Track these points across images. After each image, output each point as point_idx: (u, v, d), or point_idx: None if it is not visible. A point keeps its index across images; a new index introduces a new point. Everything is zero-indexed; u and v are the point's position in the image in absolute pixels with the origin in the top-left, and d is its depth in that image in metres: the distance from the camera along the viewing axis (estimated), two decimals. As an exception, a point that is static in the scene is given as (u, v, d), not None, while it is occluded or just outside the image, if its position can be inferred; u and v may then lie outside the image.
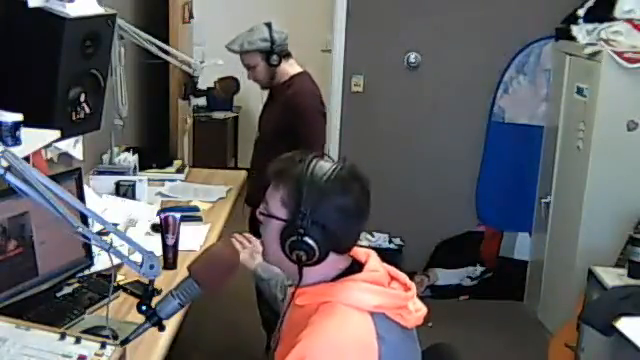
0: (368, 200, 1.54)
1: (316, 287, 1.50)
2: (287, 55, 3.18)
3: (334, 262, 1.52)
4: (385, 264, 1.59)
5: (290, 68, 3.20)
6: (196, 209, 3.10)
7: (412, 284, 1.58)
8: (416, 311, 1.54)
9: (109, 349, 1.54)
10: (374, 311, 1.46)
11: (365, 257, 1.57)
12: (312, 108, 3.11)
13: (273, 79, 3.19)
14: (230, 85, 3.82)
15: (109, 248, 1.51)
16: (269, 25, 3.13)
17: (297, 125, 3.04)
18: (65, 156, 2.88)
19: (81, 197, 2.22)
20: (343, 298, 1.46)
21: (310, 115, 3.09)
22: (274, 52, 3.11)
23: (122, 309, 2.10)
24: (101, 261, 2.25)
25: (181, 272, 2.31)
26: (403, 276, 1.58)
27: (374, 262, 1.56)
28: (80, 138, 2.90)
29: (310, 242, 1.46)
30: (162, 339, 1.88)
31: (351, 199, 1.49)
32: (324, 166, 1.50)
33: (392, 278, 1.57)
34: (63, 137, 2.15)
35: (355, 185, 1.51)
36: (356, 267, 1.55)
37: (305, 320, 1.45)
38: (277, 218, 1.50)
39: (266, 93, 3.35)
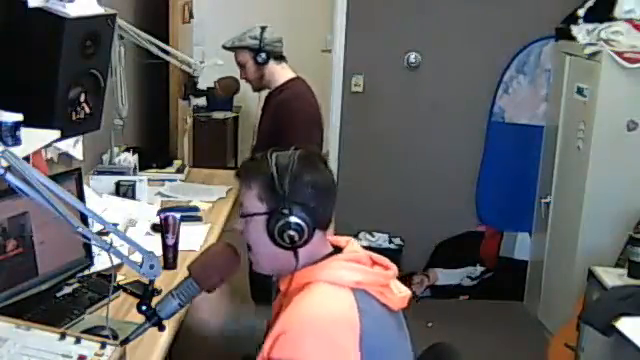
0: (332, 175, 1.62)
1: (300, 271, 1.54)
2: (279, 58, 3.19)
3: (318, 243, 1.57)
4: (368, 251, 1.64)
5: (283, 72, 3.20)
6: (196, 209, 3.10)
7: (393, 265, 1.62)
8: (399, 292, 1.58)
9: (109, 349, 1.54)
10: (355, 287, 1.50)
11: (346, 243, 1.63)
12: (301, 113, 3.08)
13: (262, 79, 3.19)
14: (230, 85, 3.81)
15: (109, 248, 1.51)
16: (263, 27, 3.16)
17: (284, 130, 3.01)
18: (65, 156, 2.88)
19: (81, 197, 2.21)
20: (324, 276, 1.51)
21: (299, 120, 3.05)
22: (262, 50, 3.12)
23: (122, 309, 2.10)
24: (101, 261, 2.25)
25: (181, 272, 2.31)
26: (385, 260, 1.63)
27: (355, 245, 1.63)
28: (80, 138, 2.89)
29: (297, 220, 1.51)
30: (162, 339, 1.88)
31: (319, 174, 1.56)
32: (284, 154, 1.57)
33: (374, 262, 1.61)
34: (63, 137, 2.15)
35: (318, 162, 1.59)
36: (338, 252, 1.60)
37: (291, 303, 1.50)
38: (259, 214, 1.54)
39: (262, 94, 3.35)
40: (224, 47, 3.20)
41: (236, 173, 1.62)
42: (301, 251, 1.53)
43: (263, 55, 3.13)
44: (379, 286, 1.54)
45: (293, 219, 1.50)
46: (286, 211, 1.50)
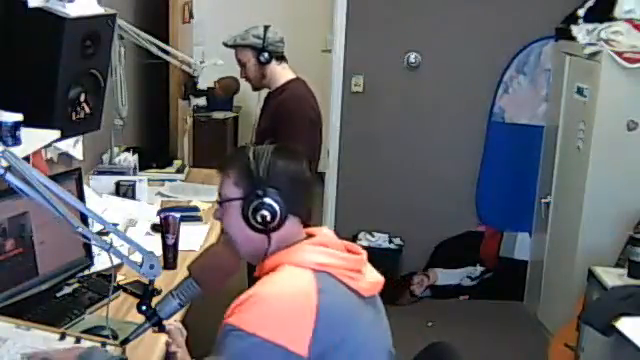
0: (308, 171, 1.66)
1: (272, 255, 1.59)
2: (281, 58, 3.18)
3: (292, 229, 1.61)
4: (344, 241, 1.67)
5: (284, 73, 3.20)
6: (196, 209, 3.10)
7: (363, 251, 1.66)
8: (370, 277, 1.62)
9: (109, 349, 1.54)
10: (317, 269, 1.53)
11: (319, 231, 1.67)
12: (299, 113, 3.08)
13: (264, 79, 3.18)
14: (230, 85, 3.82)
15: (109, 248, 1.51)
16: (266, 26, 3.15)
17: (282, 130, 3.01)
18: (65, 156, 2.88)
19: (81, 197, 2.21)
20: (290, 259, 1.56)
21: (297, 120, 3.05)
22: (265, 50, 3.11)
23: (122, 309, 2.10)
24: (101, 261, 2.25)
25: (181, 272, 2.31)
26: (356, 247, 1.67)
27: (326, 231, 1.67)
28: (80, 138, 2.89)
29: (270, 201, 1.56)
30: (162, 339, 1.88)
31: (294, 164, 1.62)
32: (263, 147, 1.64)
33: (348, 251, 1.64)
34: (63, 137, 2.15)
35: (295, 155, 1.65)
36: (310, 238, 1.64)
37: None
38: (235, 199, 1.59)
39: (262, 94, 3.34)
40: (225, 44, 3.18)
41: (217, 165, 1.66)
42: (274, 236, 1.58)
43: (266, 55, 3.12)
44: (347, 270, 1.57)
45: (267, 200, 1.55)
46: (260, 192, 1.55)
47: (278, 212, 1.56)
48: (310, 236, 1.65)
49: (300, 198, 1.63)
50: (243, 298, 1.49)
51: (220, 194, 1.63)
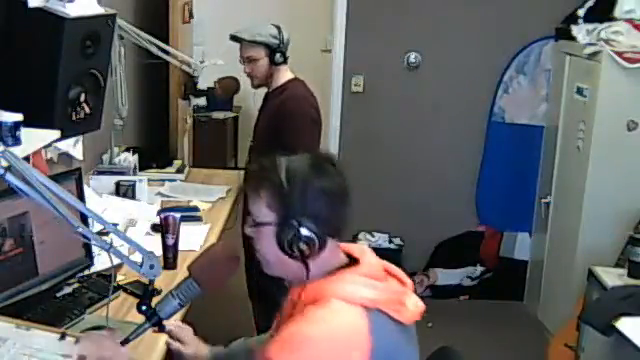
0: (345, 179, 1.53)
1: (313, 283, 1.49)
2: (286, 60, 3.18)
3: (331, 253, 1.51)
4: (383, 260, 1.59)
5: (285, 73, 3.20)
6: (196, 209, 3.10)
7: (409, 280, 1.57)
8: (414, 306, 1.53)
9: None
10: (368, 305, 1.45)
11: (360, 253, 1.56)
12: (302, 113, 3.08)
13: (269, 78, 3.18)
14: (230, 85, 3.82)
15: (109, 248, 1.51)
16: (278, 26, 3.13)
17: (284, 129, 3.01)
18: (65, 156, 2.88)
19: (81, 197, 2.21)
20: (338, 291, 1.45)
21: (298, 120, 3.05)
22: (280, 51, 3.11)
23: (122, 309, 2.10)
24: (101, 261, 2.25)
25: (181, 272, 2.31)
26: (400, 272, 1.58)
27: (370, 257, 1.55)
28: (80, 138, 2.89)
29: (307, 233, 1.45)
30: (162, 339, 1.88)
31: (331, 181, 1.49)
32: (294, 160, 1.51)
33: (388, 274, 1.56)
34: (63, 137, 2.15)
35: (329, 167, 1.51)
36: (352, 263, 1.54)
37: (301, 313, 1.46)
38: (268, 224, 1.48)
39: (257, 93, 3.33)
40: (238, 38, 3.10)
41: (244, 179, 1.58)
42: (312, 261, 1.48)
43: (279, 56, 3.11)
44: (395, 303, 1.49)
45: (304, 231, 1.45)
46: (296, 223, 1.45)
47: (317, 242, 1.46)
48: (349, 257, 1.55)
49: (339, 217, 1.51)
50: (288, 335, 1.41)
51: (251, 212, 1.52)
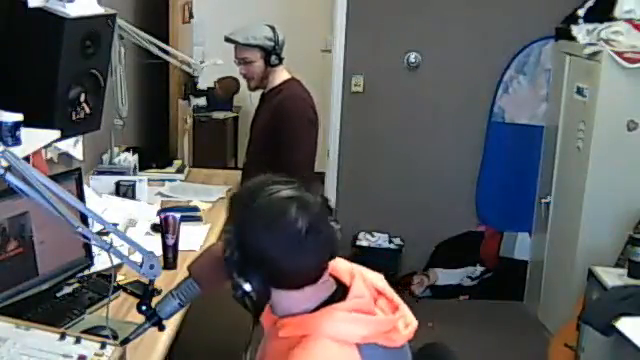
0: (334, 231, 1.38)
1: (297, 318, 1.39)
2: (281, 60, 3.18)
3: (314, 290, 1.40)
4: (370, 272, 1.52)
5: (281, 73, 3.19)
6: (196, 209, 3.10)
7: (399, 301, 1.50)
8: (406, 327, 1.46)
9: (109, 349, 1.54)
10: (361, 342, 1.37)
11: (349, 278, 1.46)
12: (299, 113, 3.08)
13: (265, 79, 3.17)
14: (230, 85, 3.82)
15: (109, 248, 1.51)
16: (272, 27, 3.13)
17: (282, 130, 3.02)
18: (65, 156, 2.88)
19: (81, 197, 2.21)
20: (327, 330, 1.35)
21: (296, 120, 3.06)
22: (275, 52, 3.11)
23: (122, 309, 2.10)
24: (101, 261, 2.25)
25: (181, 272, 2.31)
26: (389, 291, 1.50)
27: (359, 285, 1.44)
28: (80, 138, 2.89)
29: (245, 287, 1.35)
30: (162, 339, 1.88)
31: (287, 223, 1.32)
32: (256, 203, 1.35)
33: (379, 294, 1.48)
34: (63, 137, 2.15)
35: (292, 206, 1.33)
36: (340, 293, 1.43)
37: (287, 351, 1.36)
38: (227, 259, 1.38)
39: (254, 93, 3.33)
40: (231, 40, 3.11)
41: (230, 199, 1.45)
42: (290, 297, 1.39)
43: (274, 58, 3.10)
44: (385, 333, 1.41)
45: (247, 287, 1.35)
46: (241, 281, 1.35)
47: (256, 297, 1.36)
48: (339, 286, 1.44)
49: (300, 266, 1.36)
50: None
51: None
